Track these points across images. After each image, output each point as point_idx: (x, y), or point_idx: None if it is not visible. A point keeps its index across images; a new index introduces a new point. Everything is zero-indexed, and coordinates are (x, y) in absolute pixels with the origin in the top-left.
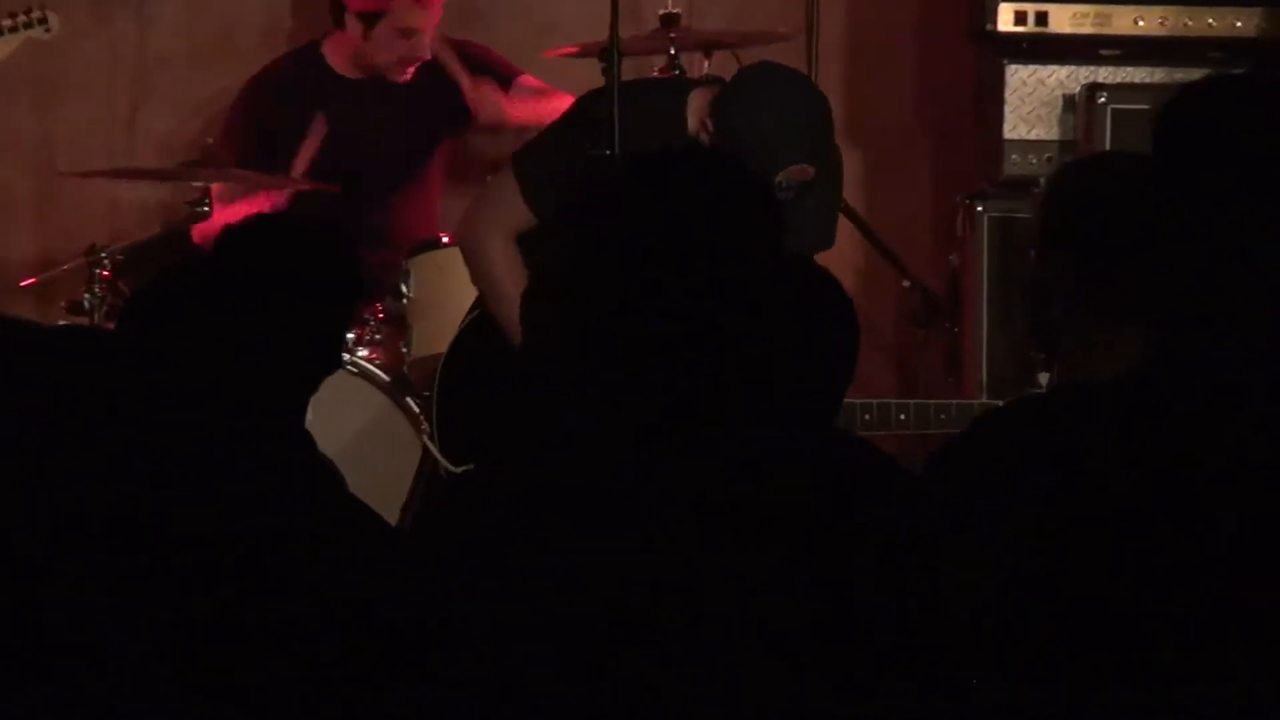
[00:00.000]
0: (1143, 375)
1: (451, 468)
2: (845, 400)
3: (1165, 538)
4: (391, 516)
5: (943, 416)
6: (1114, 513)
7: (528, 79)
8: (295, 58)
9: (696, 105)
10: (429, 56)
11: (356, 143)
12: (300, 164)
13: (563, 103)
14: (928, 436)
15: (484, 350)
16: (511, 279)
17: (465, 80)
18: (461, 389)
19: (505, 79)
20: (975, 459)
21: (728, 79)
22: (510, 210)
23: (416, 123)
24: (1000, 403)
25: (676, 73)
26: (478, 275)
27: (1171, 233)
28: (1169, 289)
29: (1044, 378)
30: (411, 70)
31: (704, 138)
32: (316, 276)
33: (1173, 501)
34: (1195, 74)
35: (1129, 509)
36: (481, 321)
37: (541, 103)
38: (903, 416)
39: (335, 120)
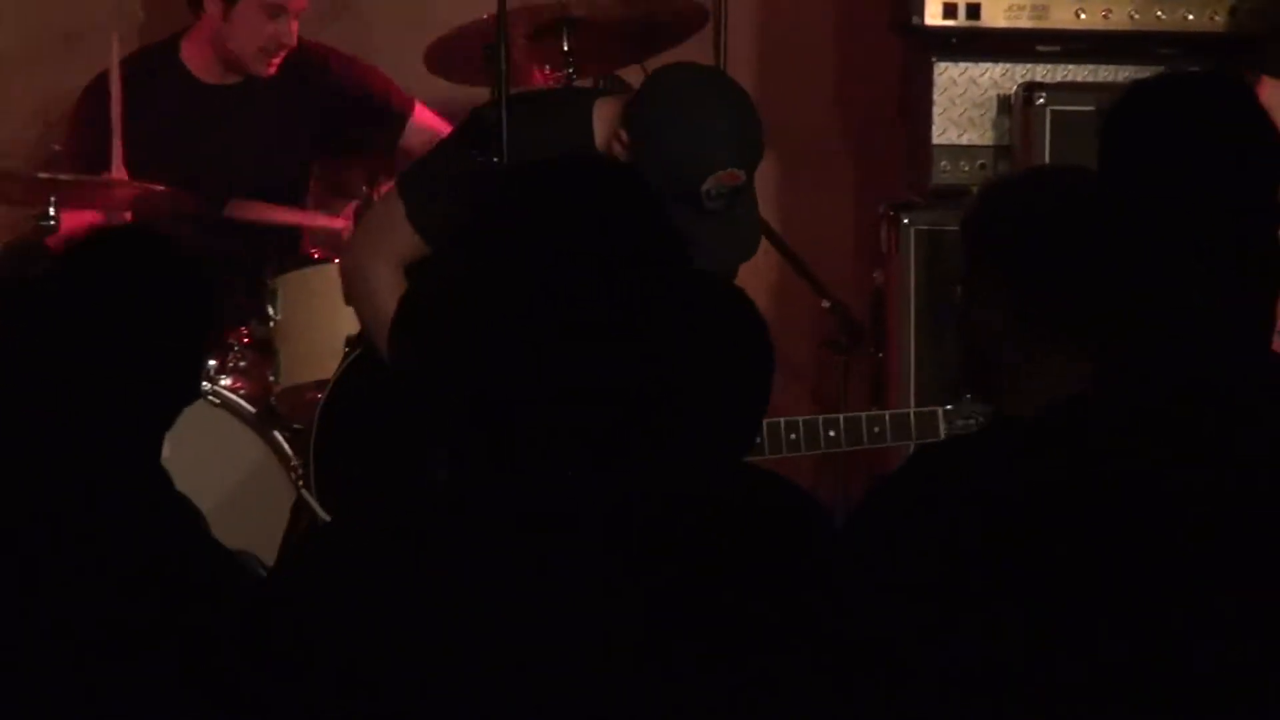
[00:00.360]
0: (1091, 401)
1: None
2: (767, 419)
3: (1131, 575)
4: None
5: (876, 430)
6: (1070, 550)
7: (423, 116)
8: (148, 55)
9: (605, 115)
10: (294, 44)
11: (215, 155)
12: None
13: None
14: (847, 471)
15: (368, 391)
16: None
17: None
18: (342, 435)
19: (395, 115)
20: (914, 497)
21: (626, 83)
22: (397, 237)
23: (286, 134)
24: (939, 409)
25: (569, 70)
26: (362, 308)
27: (1118, 245)
28: (1116, 308)
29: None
30: (277, 61)
31: (617, 149)
32: (169, 294)
33: (1131, 539)
34: (1143, 73)
35: (1086, 545)
36: (364, 359)
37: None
38: (832, 433)
39: (191, 130)
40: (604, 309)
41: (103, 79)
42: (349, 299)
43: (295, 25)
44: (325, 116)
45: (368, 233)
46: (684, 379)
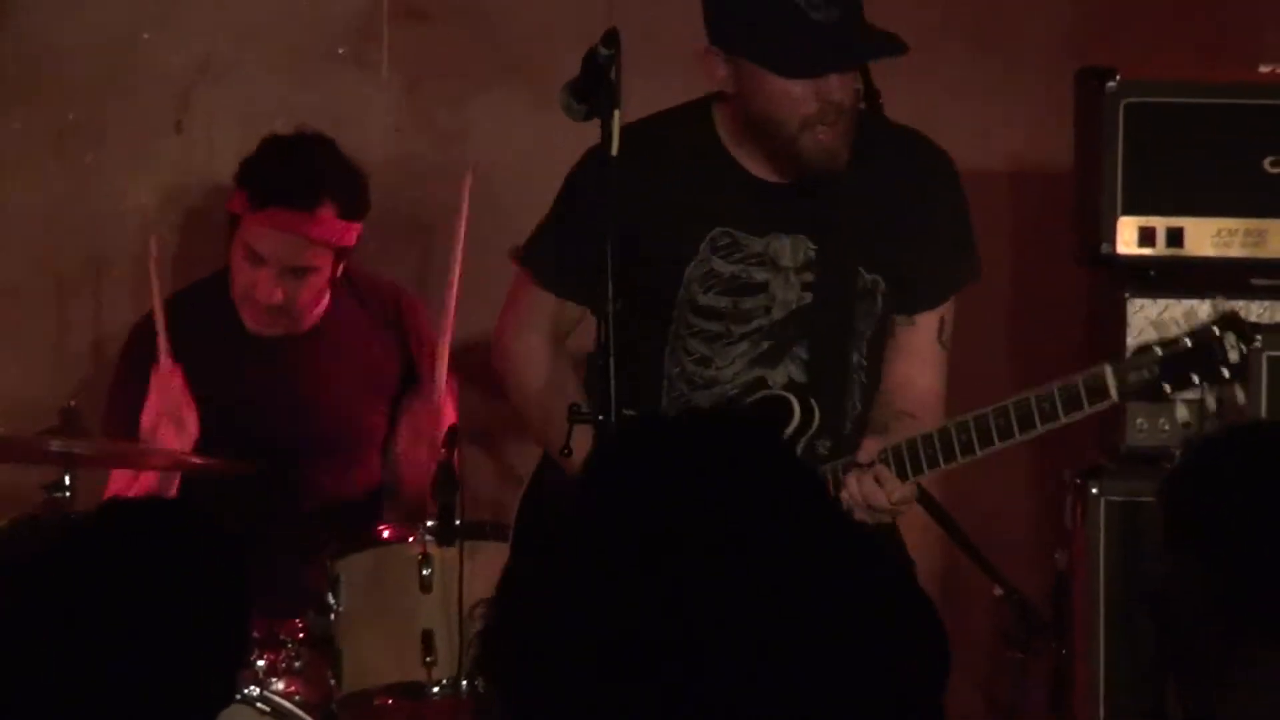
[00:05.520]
0: None
1: None
2: None
3: None
4: None
5: None
6: None
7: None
8: (197, 291)
9: (725, 111)
10: (275, 301)
11: (268, 409)
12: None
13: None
14: None
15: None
16: (543, 382)
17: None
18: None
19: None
20: None
21: None
22: (538, 305)
23: (349, 387)
24: None
25: None
26: (513, 393)
27: None
28: None
29: None
30: (271, 320)
31: (720, 75)
32: (191, 579)
33: None
34: None
35: None
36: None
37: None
38: None
39: (243, 377)
40: (724, 606)
41: (143, 329)
42: (511, 398)
43: (280, 285)
44: (390, 370)
45: (507, 312)
46: (834, 695)
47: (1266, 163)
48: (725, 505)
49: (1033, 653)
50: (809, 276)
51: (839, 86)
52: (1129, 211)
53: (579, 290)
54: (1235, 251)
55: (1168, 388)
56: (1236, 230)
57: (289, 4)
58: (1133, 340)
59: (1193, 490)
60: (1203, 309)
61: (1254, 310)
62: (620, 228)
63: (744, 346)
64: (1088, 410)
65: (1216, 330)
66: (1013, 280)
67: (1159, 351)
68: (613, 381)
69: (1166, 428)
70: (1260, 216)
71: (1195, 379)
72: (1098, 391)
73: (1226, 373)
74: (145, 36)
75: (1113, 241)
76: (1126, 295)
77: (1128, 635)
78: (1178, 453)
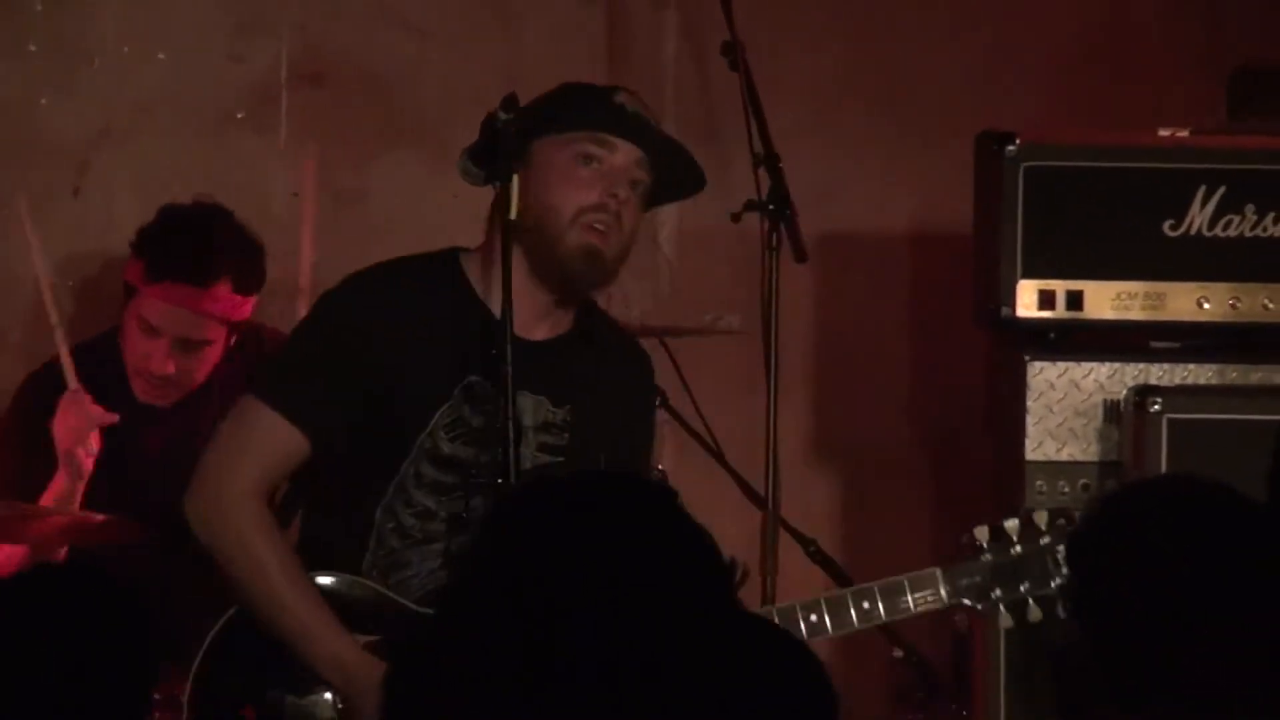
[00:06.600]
0: None
1: None
2: None
3: None
4: None
5: (865, 605)
6: None
7: None
8: (86, 350)
9: (475, 258)
10: (167, 372)
11: (160, 472)
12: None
13: None
14: None
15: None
16: (276, 549)
17: None
18: None
19: None
20: None
21: None
22: (264, 449)
23: None
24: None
25: None
26: (229, 556)
27: (1218, 596)
28: (1210, 667)
29: None
30: (157, 395)
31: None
32: (94, 641)
33: None
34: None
35: None
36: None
37: None
38: (814, 618)
39: (133, 441)
40: (634, 664)
41: (37, 380)
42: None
43: (173, 358)
44: None
45: (223, 456)
46: None
47: (1165, 226)
48: (618, 571)
49: (933, 712)
50: (546, 438)
51: (624, 174)
52: (1029, 274)
53: (316, 420)
54: (1135, 314)
55: (996, 593)
56: (1136, 293)
57: (187, 70)
58: (1032, 402)
59: (1084, 545)
60: (1101, 372)
61: (1154, 373)
62: (370, 363)
63: (477, 501)
64: (915, 611)
65: (1048, 540)
66: (912, 343)
67: (989, 558)
68: (512, 448)
69: (1065, 489)
70: (1160, 279)
71: (1023, 589)
72: (927, 594)
73: (1054, 585)
74: (43, 102)
75: (1012, 304)
76: (1026, 358)
77: (1027, 696)
78: (1079, 515)
